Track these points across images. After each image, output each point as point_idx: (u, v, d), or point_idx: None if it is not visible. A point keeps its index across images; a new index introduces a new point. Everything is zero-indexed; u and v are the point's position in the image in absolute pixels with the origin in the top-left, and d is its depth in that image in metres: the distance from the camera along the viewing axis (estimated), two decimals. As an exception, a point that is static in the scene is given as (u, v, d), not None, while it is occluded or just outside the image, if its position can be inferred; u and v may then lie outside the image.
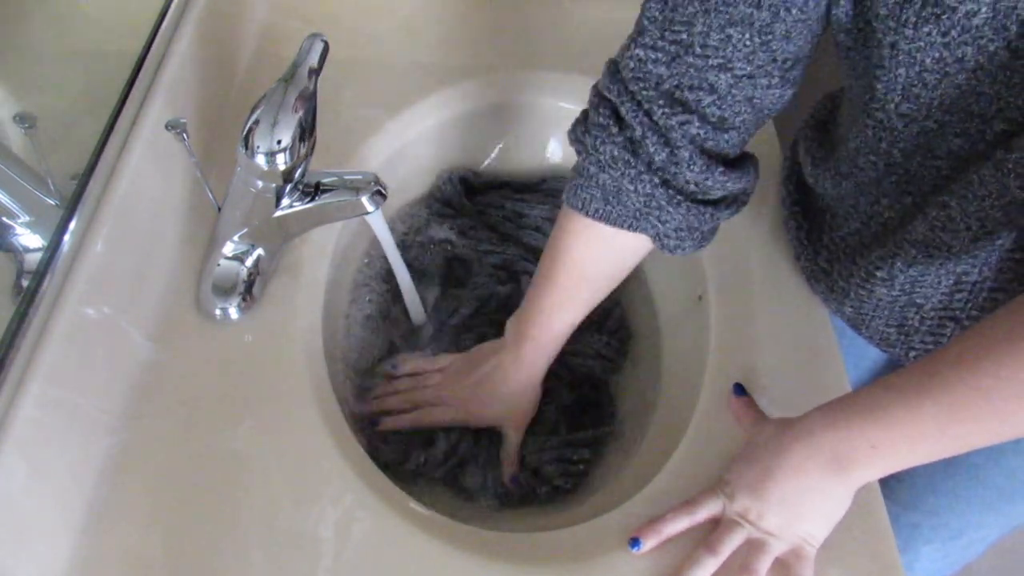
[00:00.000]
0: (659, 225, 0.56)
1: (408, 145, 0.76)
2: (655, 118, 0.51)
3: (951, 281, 0.53)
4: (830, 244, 0.61)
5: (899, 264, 0.53)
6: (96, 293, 0.52)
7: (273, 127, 0.50)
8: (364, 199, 0.55)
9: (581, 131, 0.56)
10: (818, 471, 0.48)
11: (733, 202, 0.57)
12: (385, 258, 0.75)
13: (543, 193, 0.81)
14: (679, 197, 0.54)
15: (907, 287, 0.54)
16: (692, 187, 0.53)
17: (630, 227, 0.56)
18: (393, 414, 0.67)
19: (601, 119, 0.54)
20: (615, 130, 0.53)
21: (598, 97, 0.55)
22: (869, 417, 0.46)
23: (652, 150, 0.52)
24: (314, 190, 0.56)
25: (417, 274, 0.74)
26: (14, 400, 0.45)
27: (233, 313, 0.60)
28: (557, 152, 0.83)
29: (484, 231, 0.77)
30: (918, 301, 0.56)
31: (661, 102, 0.50)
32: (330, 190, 0.56)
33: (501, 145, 0.83)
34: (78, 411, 0.51)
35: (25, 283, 0.49)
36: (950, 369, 0.43)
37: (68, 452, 0.50)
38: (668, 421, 0.65)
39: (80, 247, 0.52)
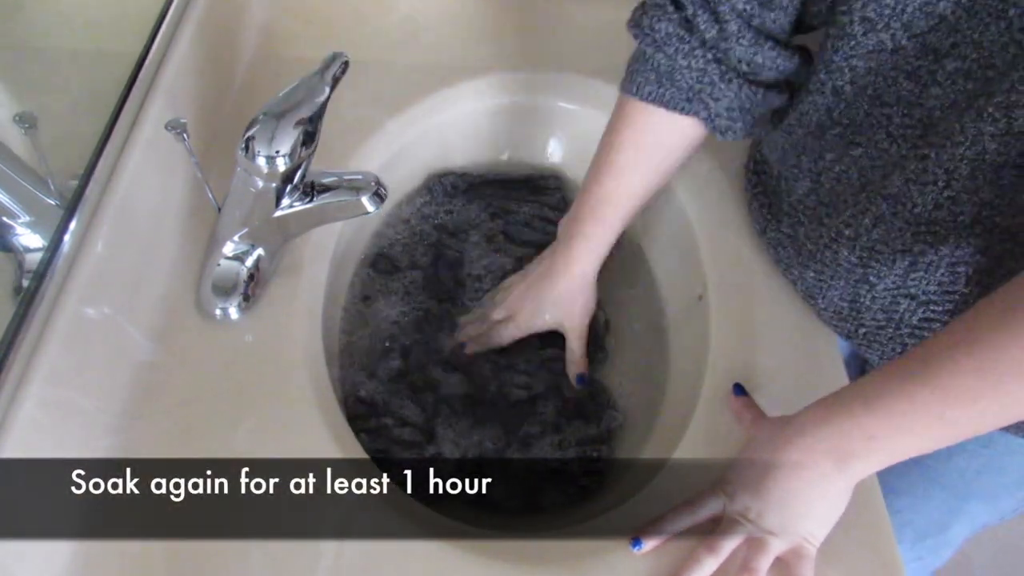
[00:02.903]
0: (711, 104, 0.57)
1: (408, 145, 0.76)
2: None
3: (906, 262, 0.53)
4: (790, 210, 0.62)
5: (867, 222, 0.54)
6: (96, 293, 0.52)
7: (271, 141, 0.50)
8: (364, 199, 0.55)
9: (639, 13, 0.58)
10: (816, 466, 0.48)
11: (785, 87, 0.58)
12: (384, 257, 0.75)
13: (528, 189, 0.81)
14: (731, 74, 0.56)
15: (865, 255, 0.55)
16: (744, 66, 0.56)
17: (682, 110, 0.58)
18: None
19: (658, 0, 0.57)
20: (671, 9, 0.56)
21: None
22: (865, 407, 0.46)
23: (703, 27, 0.54)
24: (314, 190, 0.56)
25: (411, 273, 0.74)
26: (14, 400, 0.45)
27: (233, 313, 0.60)
28: (557, 152, 0.83)
29: (476, 233, 0.77)
30: (871, 279, 0.56)
31: None
32: (330, 190, 0.56)
33: (501, 145, 0.83)
34: (78, 411, 0.51)
35: (25, 283, 0.49)
36: (945, 352, 0.43)
37: (68, 452, 0.50)
38: (668, 421, 0.65)
39: (80, 247, 0.52)
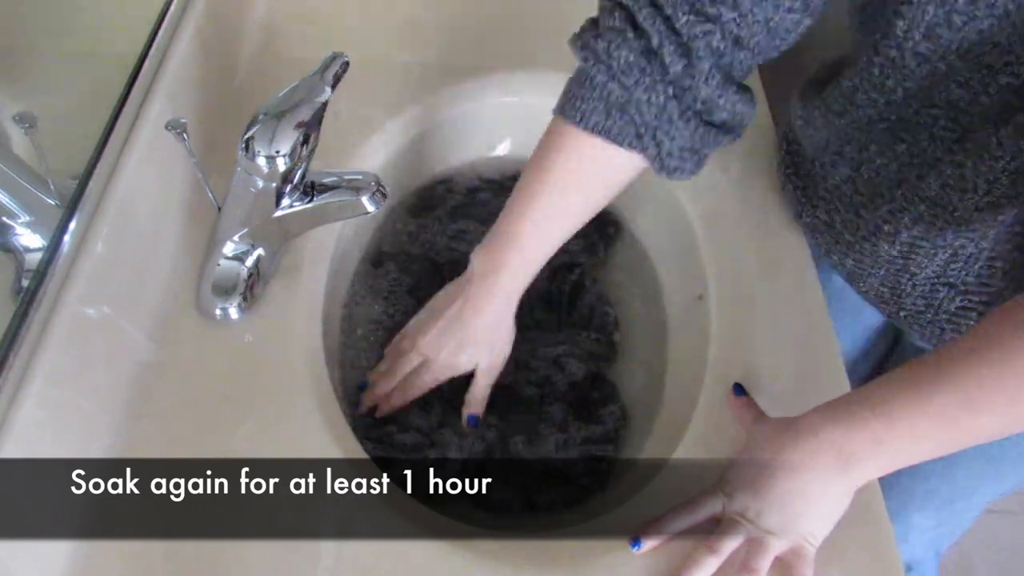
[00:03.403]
0: (665, 142, 0.52)
1: (408, 145, 0.76)
2: (677, 26, 0.48)
3: (947, 255, 0.54)
4: (825, 195, 0.62)
5: (906, 220, 0.54)
6: (96, 293, 0.52)
7: (271, 141, 0.50)
8: (364, 199, 0.55)
9: (591, 36, 0.51)
10: (821, 468, 0.48)
11: (731, 129, 0.54)
12: (384, 258, 0.75)
13: None
14: (689, 113, 0.52)
15: (906, 249, 0.56)
16: (700, 105, 0.51)
17: (630, 145, 0.52)
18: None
19: (616, 23, 0.50)
20: (631, 35, 0.50)
21: (612, 2, 0.51)
22: (876, 412, 0.46)
23: (668, 60, 0.49)
24: (314, 190, 0.56)
25: (410, 279, 0.74)
26: (15, 400, 0.45)
27: (233, 313, 0.60)
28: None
29: (475, 234, 0.77)
30: (912, 269, 0.57)
31: (685, 8, 0.47)
32: (330, 190, 0.56)
33: (501, 145, 0.83)
34: (78, 411, 0.51)
35: (25, 283, 0.49)
36: (960, 360, 0.43)
37: (68, 452, 0.50)
38: (668, 421, 0.65)
39: (80, 247, 0.52)
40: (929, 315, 0.59)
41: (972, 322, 0.57)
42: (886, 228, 0.56)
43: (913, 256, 0.56)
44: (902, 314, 0.61)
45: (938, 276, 0.56)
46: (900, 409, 0.45)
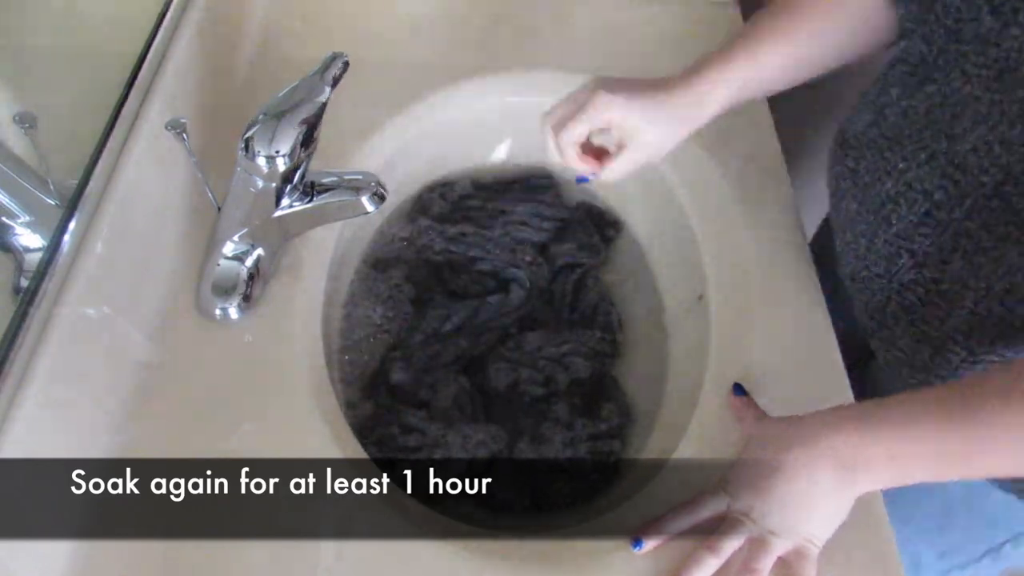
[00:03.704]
0: None
1: (408, 145, 0.76)
2: None
3: (925, 208, 0.54)
4: (855, 143, 0.61)
5: (922, 156, 0.54)
6: (96, 293, 0.52)
7: (271, 141, 0.50)
8: (364, 199, 0.55)
9: None
10: (825, 473, 0.48)
11: None
12: (384, 258, 0.75)
13: (526, 189, 0.81)
14: None
15: (904, 189, 0.56)
16: None
17: None
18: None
19: None
20: None
21: None
22: (895, 428, 0.46)
23: None
24: (314, 190, 0.56)
25: (410, 280, 0.74)
26: (15, 400, 0.45)
27: (233, 313, 0.60)
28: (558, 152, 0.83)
29: (474, 237, 0.77)
30: (892, 219, 0.57)
31: None
32: (330, 190, 0.56)
33: (501, 145, 0.83)
34: (78, 411, 0.51)
35: (25, 283, 0.49)
36: (990, 395, 0.43)
37: (68, 452, 0.50)
38: (668, 421, 0.65)
39: (80, 247, 0.52)
40: (883, 282, 0.59)
41: (916, 297, 0.57)
42: (901, 166, 0.56)
43: (900, 201, 0.56)
44: (863, 274, 0.61)
45: (904, 239, 0.56)
46: (922, 430, 0.45)
